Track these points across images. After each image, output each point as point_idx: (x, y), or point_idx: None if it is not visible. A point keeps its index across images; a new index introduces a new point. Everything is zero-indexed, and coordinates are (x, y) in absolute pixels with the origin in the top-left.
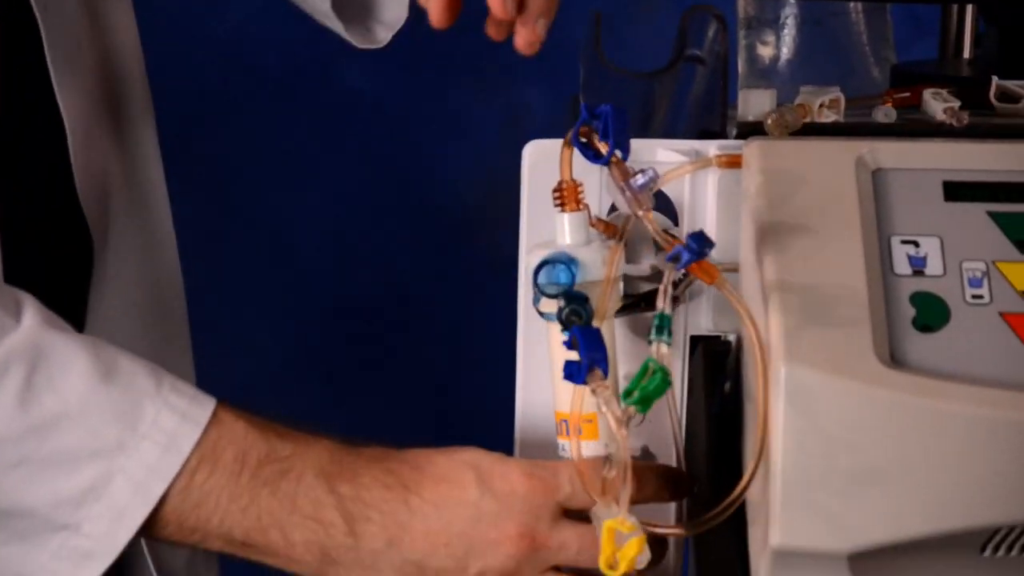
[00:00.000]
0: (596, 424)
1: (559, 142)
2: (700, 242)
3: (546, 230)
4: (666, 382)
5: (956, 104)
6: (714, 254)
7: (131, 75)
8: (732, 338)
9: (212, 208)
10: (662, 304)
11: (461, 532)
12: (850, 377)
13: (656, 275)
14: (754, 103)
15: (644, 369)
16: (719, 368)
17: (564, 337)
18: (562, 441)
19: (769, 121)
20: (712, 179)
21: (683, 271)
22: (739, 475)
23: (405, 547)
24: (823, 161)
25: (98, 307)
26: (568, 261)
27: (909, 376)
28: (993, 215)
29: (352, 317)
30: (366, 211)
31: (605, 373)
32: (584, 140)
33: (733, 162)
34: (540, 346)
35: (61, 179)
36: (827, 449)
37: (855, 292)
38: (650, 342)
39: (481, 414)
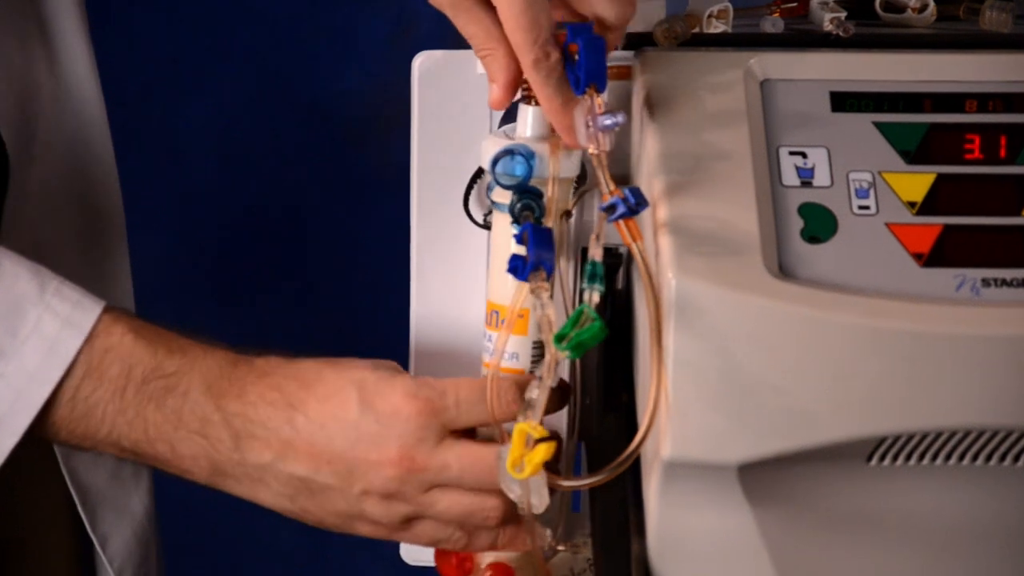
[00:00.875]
0: (526, 320)
1: (449, 53)
2: (638, 198)
3: (437, 139)
4: (603, 331)
5: (842, 14)
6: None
7: None
8: (623, 250)
9: None
10: (593, 252)
11: (342, 452)
12: (739, 289)
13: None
14: (644, 13)
15: (578, 315)
16: (610, 279)
17: (514, 230)
18: (490, 331)
19: (658, 31)
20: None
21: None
22: (629, 386)
23: (290, 463)
24: (712, 72)
25: (17, 219)
26: (528, 154)
27: (798, 287)
28: (879, 125)
29: (242, 227)
30: (254, 122)
31: (549, 274)
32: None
33: (622, 74)
34: (433, 255)
35: None
36: (717, 361)
37: (744, 204)
38: (582, 290)
39: (375, 322)
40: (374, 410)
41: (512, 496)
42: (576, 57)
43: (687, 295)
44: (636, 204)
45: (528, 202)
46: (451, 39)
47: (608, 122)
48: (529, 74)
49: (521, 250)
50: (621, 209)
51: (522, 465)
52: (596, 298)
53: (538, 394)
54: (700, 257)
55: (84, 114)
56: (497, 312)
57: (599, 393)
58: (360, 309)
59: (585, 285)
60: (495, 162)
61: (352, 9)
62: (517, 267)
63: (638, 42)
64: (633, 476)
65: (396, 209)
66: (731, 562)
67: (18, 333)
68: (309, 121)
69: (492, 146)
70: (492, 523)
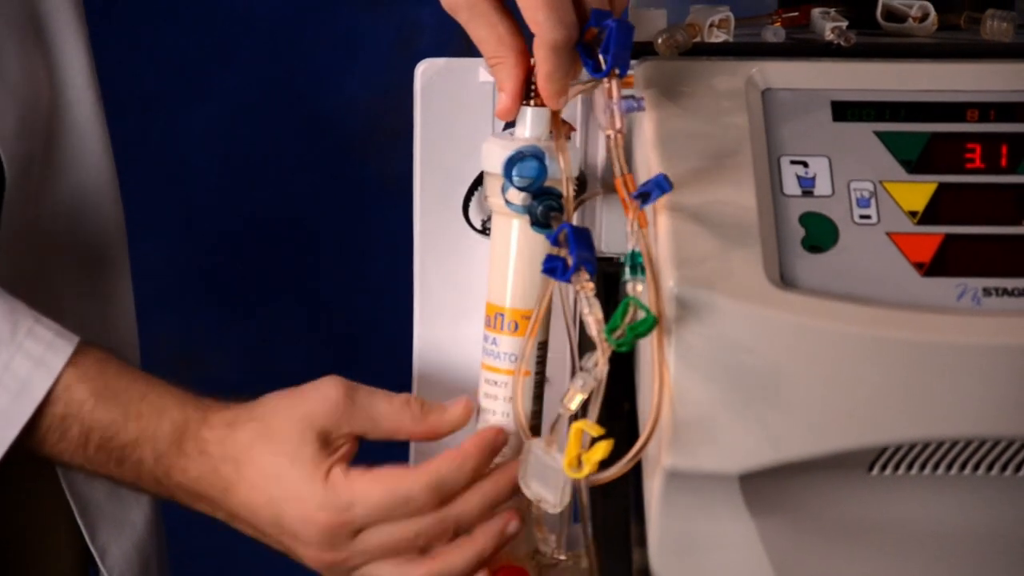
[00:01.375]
0: (531, 320)
1: (451, 60)
2: (669, 182)
3: (439, 147)
4: (655, 322)
5: (844, 23)
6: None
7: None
8: (623, 259)
9: None
10: (633, 243)
11: (275, 535)
12: (740, 297)
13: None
14: (645, 23)
15: (624, 307)
16: (612, 289)
17: (525, 230)
18: (490, 334)
19: (660, 41)
20: (604, 99)
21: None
22: (632, 398)
23: (239, 525)
24: (713, 81)
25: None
26: (541, 155)
27: (798, 296)
28: (880, 135)
29: (244, 237)
30: (257, 130)
31: (592, 274)
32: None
33: (625, 83)
34: (435, 262)
35: None
36: (718, 370)
37: (745, 213)
38: (625, 282)
39: (377, 329)
40: (290, 511)
41: (528, 494)
42: (600, 38)
43: (688, 304)
44: (669, 186)
45: (551, 203)
46: (453, 48)
47: (628, 105)
48: (542, 47)
49: (556, 251)
50: (656, 193)
51: (580, 464)
52: (640, 288)
53: (591, 388)
54: (701, 266)
55: (83, 127)
56: (502, 315)
57: (599, 411)
58: (363, 316)
59: (628, 277)
60: (510, 165)
61: (355, 19)
62: (556, 268)
63: (639, 51)
64: (635, 485)
65: (398, 217)
66: (733, 571)
67: None
68: (312, 130)
69: (495, 148)
70: (438, 541)
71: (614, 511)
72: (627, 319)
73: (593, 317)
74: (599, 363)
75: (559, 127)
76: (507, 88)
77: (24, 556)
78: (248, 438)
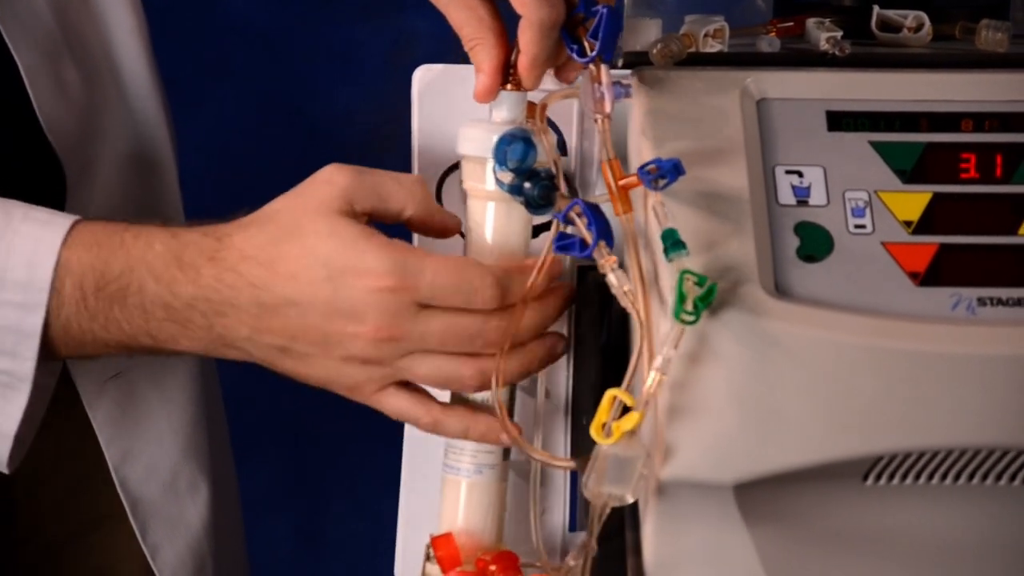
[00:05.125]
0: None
1: (448, 67)
2: (680, 164)
3: (437, 152)
4: (716, 286)
5: (838, 33)
6: (600, 187)
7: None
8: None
9: None
10: (664, 221)
11: (317, 325)
12: (735, 308)
13: None
14: (640, 33)
15: (681, 285)
16: (607, 298)
17: (500, 212)
18: None
19: (654, 51)
20: (591, 84)
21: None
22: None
23: (266, 336)
24: (708, 91)
25: None
26: (529, 137)
27: (793, 306)
28: (875, 144)
29: None
30: (253, 140)
31: (611, 247)
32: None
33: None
34: None
35: (27, 124)
36: (712, 380)
37: (740, 222)
38: (670, 259)
39: None
40: (347, 285)
41: (597, 501)
42: (587, 25)
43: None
44: (685, 172)
45: (546, 184)
46: (448, 58)
47: (617, 90)
48: (529, 28)
49: (567, 229)
50: (671, 178)
51: (609, 430)
52: (687, 263)
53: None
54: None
55: (148, 131)
56: None
57: (593, 415)
58: None
59: (672, 255)
60: (501, 147)
61: (350, 29)
62: (571, 245)
63: (634, 61)
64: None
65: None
66: None
67: None
68: (308, 140)
69: (479, 132)
70: (470, 387)
71: (609, 520)
72: (690, 294)
73: (624, 287)
74: (672, 347)
75: (541, 110)
76: (487, 69)
77: (93, 555)
78: (270, 236)
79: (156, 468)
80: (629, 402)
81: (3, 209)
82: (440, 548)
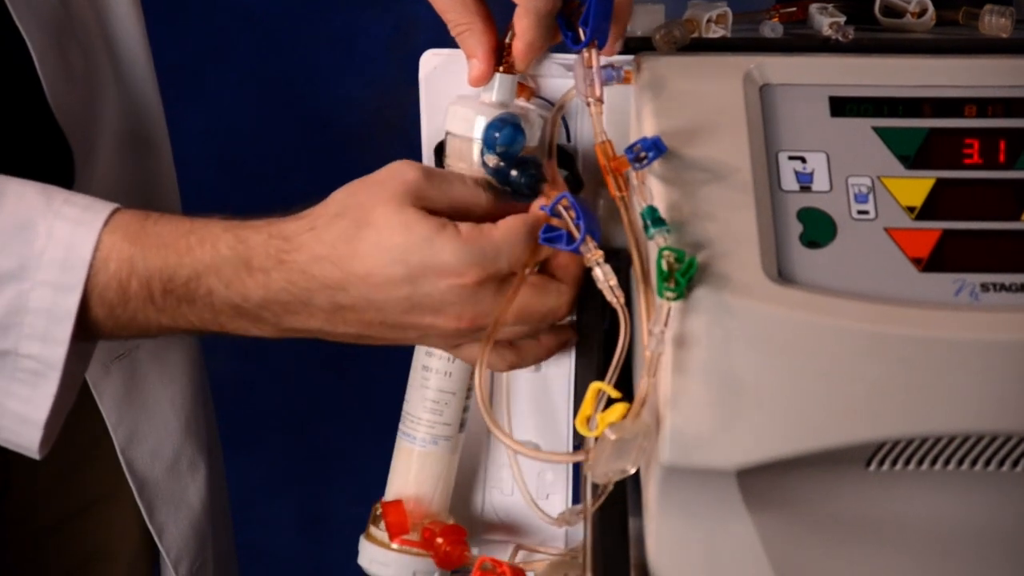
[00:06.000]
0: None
1: (454, 51)
2: (663, 144)
3: (443, 135)
4: (695, 260)
5: (841, 19)
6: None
7: None
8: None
9: None
10: (648, 199)
11: (396, 318)
12: (738, 293)
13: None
14: (643, 18)
15: (660, 259)
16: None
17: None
18: None
19: (657, 36)
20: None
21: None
22: (628, 394)
23: (340, 327)
24: (711, 77)
25: None
26: (519, 123)
27: (796, 292)
28: (878, 130)
29: None
30: (255, 127)
31: (598, 241)
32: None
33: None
34: None
35: (34, 102)
36: (715, 366)
37: (743, 208)
38: (651, 236)
39: None
40: (427, 283)
41: (601, 481)
42: (581, 10)
43: (686, 299)
44: (665, 150)
45: (532, 172)
46: (449, 44)
47: (607, 74)
48: (527, 15)
49: (554, 221)
50: (652, 154)
51: (593, 423)
52: (666, 239)
53: (654, 349)
54: (699, 261)
55: (143, 110)
56: None
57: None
58: None
59: (653, 232)
60: (491, 132)
61: (352, 16)
62: (558, 238)
63: (637, 47)
64: (633, 481)
65: None
66: (730, 568)
67: (34, 245)
68: (310, 126)
69: (467, 112)
70: (544, 354)
71: (612, 507)
72: (670, 270)
73: (610, 283)
74: (662, 324)
75: (525, 90)
76: (480, 55)
77: (89, 535)
78: (340, 233)
79: (161, 448)
80: (613, 394)
81: (44, 192)
82: (390, 514)
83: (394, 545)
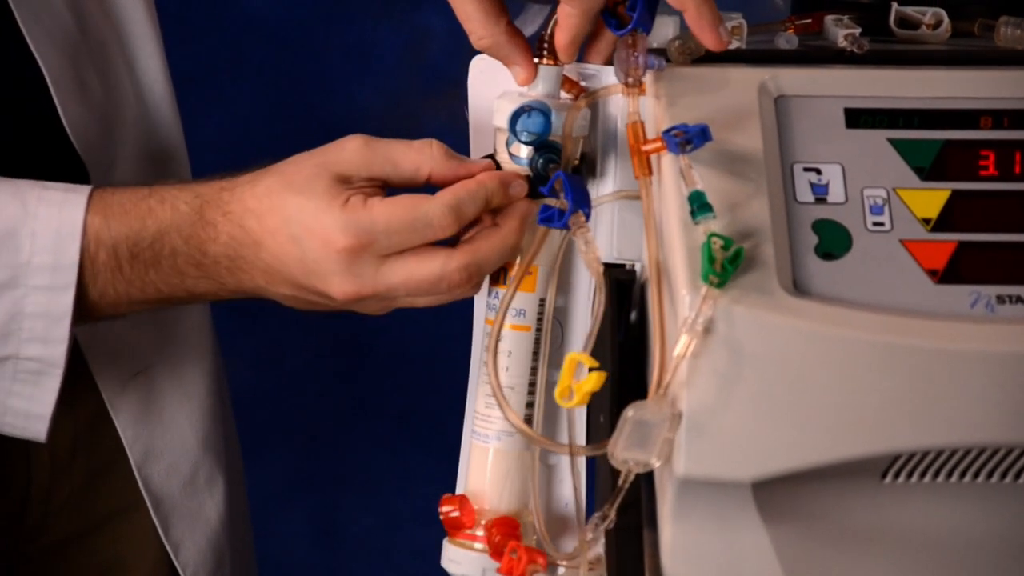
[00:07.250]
0: (535, 277)
1: None
2: (708, 130)
3: (491, 142)
4: (743, 249)
5: (857, 30)
6: (615, 184)
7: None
8: (637, 267)
9: None
10: (695, 182)
11: (303, 280)
12: (753, 304)
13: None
14: (657, 30)
15: (708, 247)
16: (624, 296)
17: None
18: (494, 288)
19: (673, 48)
20: (618, 105)
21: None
22: (643, 384)
23: (277, 286)
24: (726, 88)
25: None
26: (546, 110)
27: (811, 303)
28: (894, 142)
29: None
30: (268, 137)
31: (588, 218)
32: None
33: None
34: None
35: (50, 127)
36: (730, 377)
37: (758, 220)
38: (697, 222)
39: (382, 336)
40: (311, 248)
41: (616, 464)
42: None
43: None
44: (711, 139)
45: (551, 156)
46: (463, 56)
47: (652, 61)
48: (576, 13)
49: (552, 202)
50: (697, 141)
51: (571, 394)
52: (713, 226)
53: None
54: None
55: (163, 128)
56: (505, 268)
57: (611, 411)
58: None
59: (698, 218)
60: (515, 118)
61: (366, 27)
62: (551, 216)
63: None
64: (647, 495)
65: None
66: None
67: (21, 251)
68: (324, 137)
69: (508, 104)
70: (459, 289)
71: (627, 518)
72: (717, 260)
73: (592, 256)
74: (698, 315)
75: (576, 87)
76: (521, 62)
77: (106, 551)
78: (265, 188)
79: (177, 465)
80: (589, 364)
81: (16, 194)
82: (456, 509)
83: (462, 542)
